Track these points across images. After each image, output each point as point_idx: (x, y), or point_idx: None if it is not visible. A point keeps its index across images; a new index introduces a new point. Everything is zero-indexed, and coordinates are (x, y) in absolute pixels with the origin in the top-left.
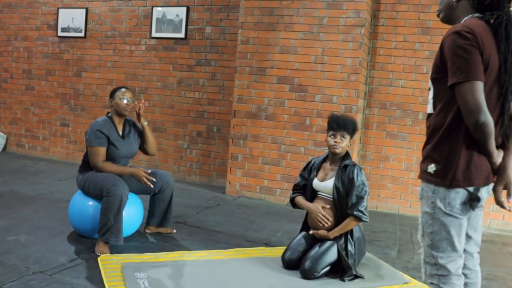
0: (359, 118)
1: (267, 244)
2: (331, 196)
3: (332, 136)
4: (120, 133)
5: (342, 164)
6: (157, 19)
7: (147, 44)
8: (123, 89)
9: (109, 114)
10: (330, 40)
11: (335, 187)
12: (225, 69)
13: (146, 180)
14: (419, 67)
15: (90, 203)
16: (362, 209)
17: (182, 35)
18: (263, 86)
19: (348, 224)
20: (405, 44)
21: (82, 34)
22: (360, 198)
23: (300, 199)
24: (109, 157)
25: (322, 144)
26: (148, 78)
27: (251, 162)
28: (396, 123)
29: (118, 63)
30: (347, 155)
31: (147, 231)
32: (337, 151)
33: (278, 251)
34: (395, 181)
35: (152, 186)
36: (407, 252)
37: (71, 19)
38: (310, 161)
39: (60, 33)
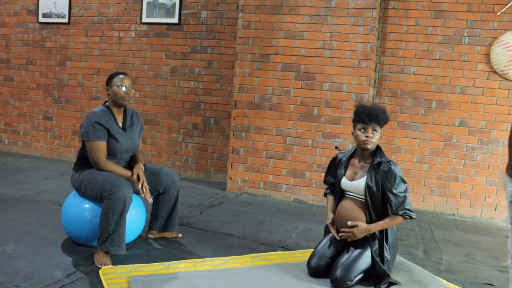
0: None
1: (284, 248)
2: (362, 197)
3: (362, 130)
4: (120, 124)
5: (375, 161)
6: (148, 3)
7: (137, 30)
8: (121, 76)
9: (107, 103)
10: (339, 24)
11: (368, 187)
12: (222, 56)
13: (143, 194)
14: (432, 52)
15: (87, 205)
16: (408, 207)
17: (175, 20)
18: (266, 74)
19: (393, 221)
20: (417, 29)
21: (65, 20)
22: (403, 197)
23: (328, 199)
24: (110, 152)
25: (331, 135)
26: (139, 67)
27: (254, 156)
28: (408, 113)
29: (105, 51)
30: (378, 149)
31: (150, 236)
32: (369, 147)
33: (299, 255)
34: (407, 173)
35: (150, 201)
36: (434, 252)
37: (53, 3)
38: (336, 157)
39: (41, 19)
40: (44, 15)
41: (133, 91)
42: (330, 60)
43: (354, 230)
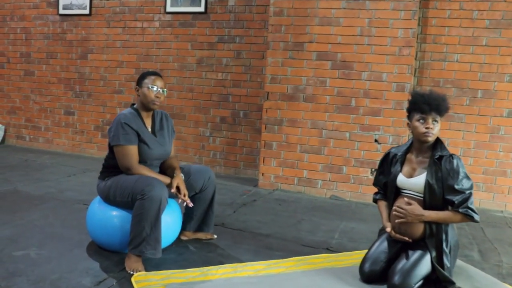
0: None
1: (328, 250)
2: (421, 195)
3: (421, 121)
4: (149, 128)
5: (435, 155)
6: None
7: (161, 20)
8: (153, 76)
9: (135, 106)
10: (378, 8)
11: (428, 184)
12: (251, 46)
13: (182, 199)
14: (478, 38)
15: (114, 212)
16: (472, 206)
17: (201, 8)
18: (300, 63)
19: (452, 217)
20: (461, 13)
21: (86, 11)
22: (468, 194)
23: (381, 206)
24: (139, 159)
25: (370, 128)
26: (164, 58)
27: (287, 150)
28: (451, 103)
29: (128, 43)
30: (438, 142)
31: (183, 237)
32: (430, 139)
33: (346, 258)
34: None
35: (191, 205)
36: (490, 253)
37: None
38: (389, 153)
39: (61, 11)
40: (65, 7)
41: (165, 94)
42: (369, 48)
43: (408, 208)
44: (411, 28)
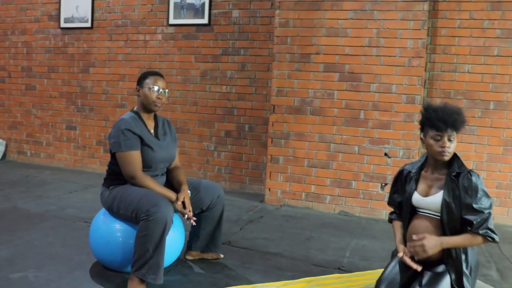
0: (418, 110)
1: (340, 269)
2: (438, 214)
3: (437, 139)
4: (152, 131)
5: (452, 171)
6: (175, 3)
7: (164, 32)
8: (154, 76)
9: (135, 109)
10: (386, 19)
11: (445, 203)
12: (257, 58)
13: (185, 213)
14: (489, 48)
15: (118, 226)
16: (492, 226)
17: (205, 20)
18: (307, 75)
19: (472, 240)
20: (472, 22)
21: (88, 24)
22: (487, 214)
23: (395, 226)
24: (144, 163)
25: (379, 141)
26: (167, 71)
27: (294, 165)
28: None
29: (130, 56)
30: (455, 157)
31: (188, 257)
32: (446, 158)
33: (359, 278)
34: None
35: (193, 223)
36: (509, 271)
37: (75, 7)
38: (402, 170)
39: (63, 24)
40: (66, 20)
41: (166, 95)
42: (377, 59)
43: (424, 242)
44: (420, 38)
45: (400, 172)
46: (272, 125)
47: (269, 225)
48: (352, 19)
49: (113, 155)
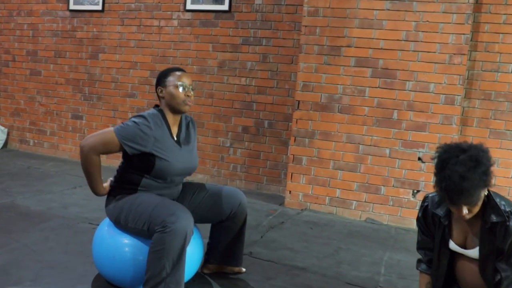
0: (457, 112)
1: None
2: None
3: (451, 206)
4: (175, 136)
5: (487, 222)
6: None
7: (180, 18)
8: (178, 72)
9: (160, 107)
10: (427, 11)
11: (484, 256)
12: (279, 49)
13: None
14: None
15: (126, 240)
16: None
17: (225, 7)
18: (336, 70)
19: None
20: None
21: (99, 7)
22: None
23: (421, 281)
24: (157, 174)
25: (413, 144)
26: (181, 60)
27: (319, 166)
28: (504, 119)
29: (143, 43)
30: (489, 200)
31: (206, 271)
32: (468, 219)
33: None
34: (501, 191)
35: None
36: None
37: None
38: (426, 209)
39: (72, 6)
40: (76, 2)
41: (193, 93)
42: (415, 55)
43: None
44: (464, 34)
45: (424, 212)
46: (296, 122)
47: (292, 232)
48: (388, 10)
49: (125, 157)
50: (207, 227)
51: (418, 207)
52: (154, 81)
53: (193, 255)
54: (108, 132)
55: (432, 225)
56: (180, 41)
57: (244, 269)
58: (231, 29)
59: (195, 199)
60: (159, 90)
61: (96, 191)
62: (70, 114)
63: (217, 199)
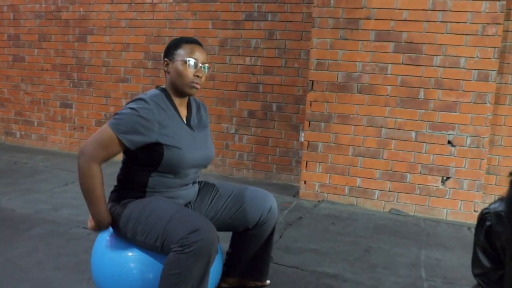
0: (492, 89)
1: None
2: None
3: None
4: (185, 119)
5: None
6: None
7: None
8: (191, 44)
9: (163, 86)
10: None
11: None
12: (287, 24)
13: None
14: None
15: (130, 254)
16: None
17: None
18: (354, 45)
19: None
20: None
21: None
22: None
23: None
24: (167, 168)
25: (442, 127)
26: None
27: (337, 153)
28: None
29: (135, 22)
30: None
31: (223, 285)
32: None
33: None
34: None
35: None
36: None
37: None
38: (489, 223)
39: None
40: None
41: (206, 73)
42: (443, 26)
43: None
44: (499, 0)
45: (488, 232)
46: (310, 104)
47: (313, 229)
48: None
49: (127, 154)
50: (226, 232)
51: (448, 196)
52: (148, 63)
53: (213, 271)
54: (103, 130)
55: (501, 248)
56: (176, 18)
57: (268, 281)
58: (232, 3)
59: (216, 203)
60: (165, 63)
61: (99, 216)
62: (59, 103)
63: (243, 204)
